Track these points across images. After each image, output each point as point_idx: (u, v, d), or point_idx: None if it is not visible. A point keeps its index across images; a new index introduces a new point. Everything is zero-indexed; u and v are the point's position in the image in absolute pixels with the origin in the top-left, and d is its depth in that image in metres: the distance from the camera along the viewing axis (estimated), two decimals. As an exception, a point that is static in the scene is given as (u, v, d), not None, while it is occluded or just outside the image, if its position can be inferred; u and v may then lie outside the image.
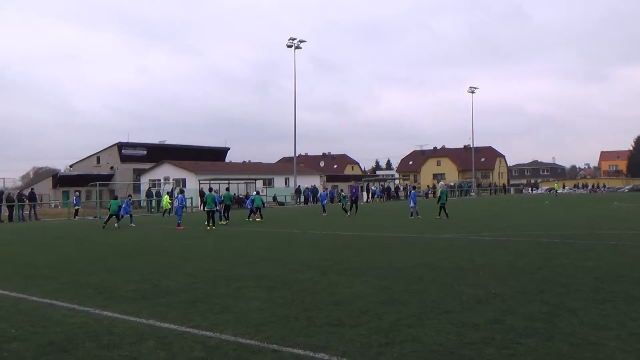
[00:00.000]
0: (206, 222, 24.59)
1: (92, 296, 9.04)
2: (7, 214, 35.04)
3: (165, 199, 37.83)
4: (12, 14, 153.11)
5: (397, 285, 9.39)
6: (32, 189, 40.43)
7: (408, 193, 71.01)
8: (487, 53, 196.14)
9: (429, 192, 70.83)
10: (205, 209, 25.33)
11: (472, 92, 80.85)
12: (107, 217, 27.34)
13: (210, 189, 26.85)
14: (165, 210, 37.07)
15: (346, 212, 30.70)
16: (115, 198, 28.70)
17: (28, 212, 36.58)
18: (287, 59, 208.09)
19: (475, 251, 13.93)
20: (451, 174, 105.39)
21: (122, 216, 28.02)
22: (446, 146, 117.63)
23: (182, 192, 28.97)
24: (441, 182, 32.93)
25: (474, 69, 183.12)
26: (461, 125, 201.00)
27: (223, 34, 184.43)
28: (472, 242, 16.08)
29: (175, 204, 27.24)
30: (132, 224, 27.80)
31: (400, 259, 12.62)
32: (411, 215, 28.00)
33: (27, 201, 37.04)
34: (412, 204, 28.26)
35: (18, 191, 40.39)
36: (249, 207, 29.79)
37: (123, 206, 28.00)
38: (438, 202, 28.30)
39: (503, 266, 11.25)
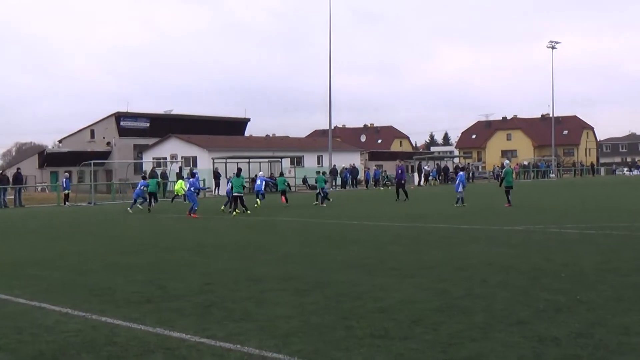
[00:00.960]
0: (232, 209, 26.16)
1: (88, 299, 9.29)
2: (-14, 199, 36.11)
3: (180, 183, 37.69)
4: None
5: (457, 288, 9.40)
6: (17, 169, 41.53)
7: (476, 174, 70.49)
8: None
9: (499, 172, 70.19)
10: (233, 193, 26.27)
11: (553, 48, 79.39)
12: (149, 199, 30.98)
13: (239, 171, 27.50)
14: (176, 195, 37.60)
15: (326, 198, 30.97)
16: (154, 176, 31.19)
17: (13, 197, 37.62)
18: (321, 8, 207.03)
19: (555, 247, 13.79)
20: (525, 151, 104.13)
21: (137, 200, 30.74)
22: (519, 116, 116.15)
23: (193, 174, 29.40)
24: (507, 161, 32.34)
25: (554, 18, 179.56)
26: (538, 90, 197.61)
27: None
28: (551, 236, 15.93)
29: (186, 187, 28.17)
30: (130, 209, 29.82)
31: (460, 257, 12.60)
32: (457, 203, 27.57)
33: (10, 184, 38.08)
34: (460, 189, 27.81)
35: (0, 171, 41.51)
36: (229, 193, 29.51)
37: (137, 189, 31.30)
38: (500, 184, 27.98)
39: (590, 266, 11.13)
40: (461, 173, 29.86)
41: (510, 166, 29.66)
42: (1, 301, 9.32)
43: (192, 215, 25.12)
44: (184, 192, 36.12)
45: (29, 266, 12.75)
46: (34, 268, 12.48)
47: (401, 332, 7.08)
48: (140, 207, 30.41)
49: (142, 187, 31.21)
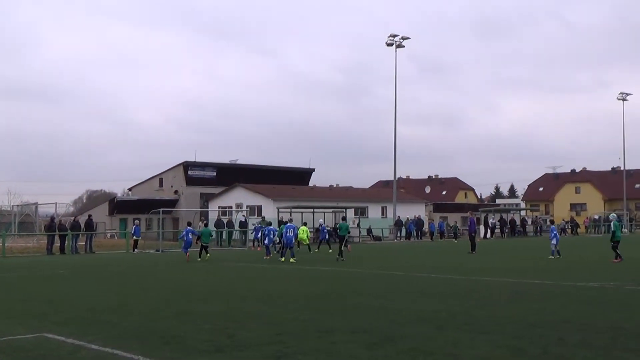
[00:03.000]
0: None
1: (159, 346, 9.35)
2: (58, 244, 37.17)
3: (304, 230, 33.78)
4: (58, 12, 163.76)
5: (533, 347, 9.08)
6: (89, 215, 42.76)
7: (543, 227, 68.97)
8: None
9: (566, 226, 68.31)
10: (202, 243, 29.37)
11: (624, 100, 77.83)
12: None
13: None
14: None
15: (340, 254, 29.12)
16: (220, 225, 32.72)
17: (84, 243, 38.62)
18: (383, 61, 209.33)
19: (634, 306, 13.27)
20: (594, 204, 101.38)
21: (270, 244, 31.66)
22: (588, 168, 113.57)
23: (269, 223, 30.24)
24: (613, 214, 30.53)
25: (624, 70, 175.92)
26: (608, 143, 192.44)
27: (305, 30, 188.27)
28: (631, 294, 15.34)
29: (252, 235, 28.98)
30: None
31: (535, 313, 12.21)
32: (552, 255, 27.92)
33: (83, 230, 39.17)
34: (554, 241, 28.43)
35: (72, 218, 42.80)
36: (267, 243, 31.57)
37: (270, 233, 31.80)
38: (612, 239, 26.06)
39: (674, 327, 10.61)
40: (553, 226, 30.50)
41: (617, 219, 27.80)
42: (75, 346, 9.46)
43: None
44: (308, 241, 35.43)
45: (102, 312, 12.96)
46: (106, 314, 12.67)
47: (478, 391, 6.85)
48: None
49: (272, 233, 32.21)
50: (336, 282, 19.18)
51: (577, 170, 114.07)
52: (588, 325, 10.75)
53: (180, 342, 9.67)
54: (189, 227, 31.27)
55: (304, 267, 24.89)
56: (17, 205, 55.95)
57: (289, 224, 29.77)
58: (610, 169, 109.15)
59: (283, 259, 27.46)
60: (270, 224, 41.49)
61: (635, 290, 15.97)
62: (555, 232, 29.25)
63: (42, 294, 16.58)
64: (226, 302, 14.44)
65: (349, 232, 31.00)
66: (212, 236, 31.36)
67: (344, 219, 31.77)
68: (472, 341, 9.51)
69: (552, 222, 32.71)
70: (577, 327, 10.58)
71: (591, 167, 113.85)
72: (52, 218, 40.23)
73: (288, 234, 28.14)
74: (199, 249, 29.46)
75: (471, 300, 14.36)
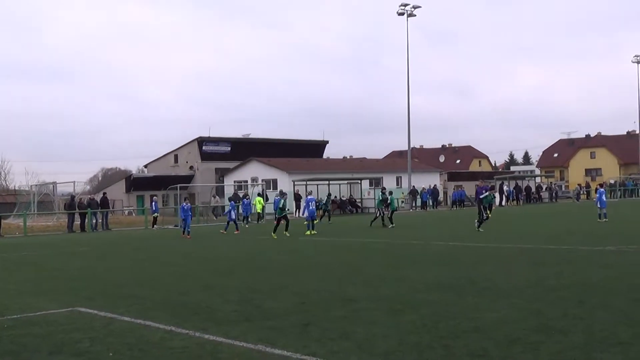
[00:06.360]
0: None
1: (189, 317, 9.67)
2: (78, 222, 37.66)
3: (259, 200, 40.42)
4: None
5: (552, 309, 9.31)
6: (103, 193, 43.14)
7: (559, 193, 68.92)
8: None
9: (582, 191, 68.13)
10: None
11: (639, 62, 77.01)
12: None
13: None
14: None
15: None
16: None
17: (100, 221, 39.07)
18: (393, 31, 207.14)
19: (652, 268, 13.42)
20: (610, 169, 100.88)
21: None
22: (603, 133, 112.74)
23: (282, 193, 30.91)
24: None
25: (638, 32, 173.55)
26: (623, 107, 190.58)
27: (312, 2, 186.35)
28: (647, 257, 15.47)
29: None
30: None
31: (553, 277, 12.43)
32: (600, 218, 28.50)
33: (99, 208, 39.63)
34: (598, 204, 29.04)
35: (89, 197, 43.25)
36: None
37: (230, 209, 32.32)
38: None
39: (691, 287, 10.79)
40: (601, 189, 30.74)
41: None
42: (108, 319, 9.79)
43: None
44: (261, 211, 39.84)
45: (130, 287, 13.34)
46: (135, 288, 13.04)
47: (500, 352, 7.10)
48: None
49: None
50: (355, 253, 19.47)
51: (592, 135, 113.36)
52: (607, 288, 10.97)
53: (210, 312, 9.99)
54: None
55: (322, 239, 25.18)
56: (35, 185, 56.57)
57: (309, 197, 29.84)
58: (625, 133, 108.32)
59: (309, 232, 27.56)
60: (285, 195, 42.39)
61: (652, 253, 16.12)
62: (602, 195, 29.56)
63: (68, 270, 16.98)
64: (251, 274, 14.78)
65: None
66: (286, 209, 28.95)
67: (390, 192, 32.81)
68: (492, 305, 9.77)
69: (601, 185, 32.82)
70: (595, 290, 10.80)
71: (606, 132, 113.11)
72: (72, 197, 40.73)
73: (310, 207, 28.28)
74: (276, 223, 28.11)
75: (490, 266, 14.60)
